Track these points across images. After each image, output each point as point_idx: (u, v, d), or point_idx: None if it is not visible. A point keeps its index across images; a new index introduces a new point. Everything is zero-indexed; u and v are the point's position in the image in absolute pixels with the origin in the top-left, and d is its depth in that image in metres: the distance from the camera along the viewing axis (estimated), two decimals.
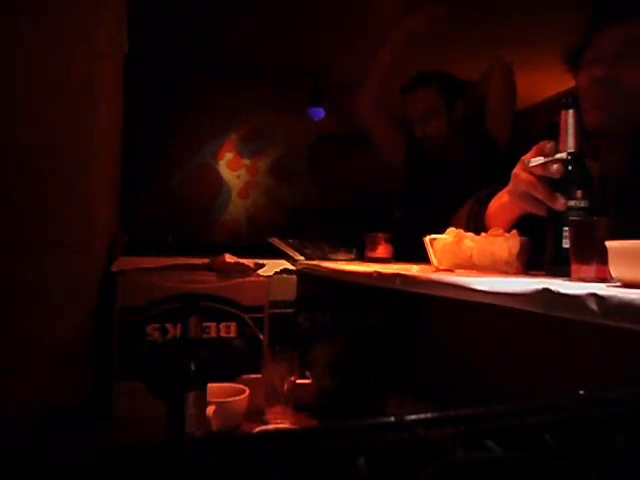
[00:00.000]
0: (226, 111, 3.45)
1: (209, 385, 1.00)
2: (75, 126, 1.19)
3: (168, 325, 1.26)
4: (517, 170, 0.86)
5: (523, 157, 0.84)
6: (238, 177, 3.57)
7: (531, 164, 0.81)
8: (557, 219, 0.79)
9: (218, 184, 3.48)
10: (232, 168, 3.55)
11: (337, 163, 3.87)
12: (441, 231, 0.95)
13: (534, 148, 0.84)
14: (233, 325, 1.34)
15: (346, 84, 2.80)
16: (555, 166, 0.79)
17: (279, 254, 1.56)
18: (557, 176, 0.79)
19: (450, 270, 0.91)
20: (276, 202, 3.63)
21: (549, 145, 0.82)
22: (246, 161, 3.56)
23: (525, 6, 2.56)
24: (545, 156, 0.81)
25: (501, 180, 0.93)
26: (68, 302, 1.18)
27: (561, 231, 0.77)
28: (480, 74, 1.86)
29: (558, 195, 0.79)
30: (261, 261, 1.41)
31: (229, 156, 3.55)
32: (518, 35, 2.89)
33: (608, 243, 0.59)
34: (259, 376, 1.25)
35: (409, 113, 1.83)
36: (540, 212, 0.83)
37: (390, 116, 2.00)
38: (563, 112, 0.81)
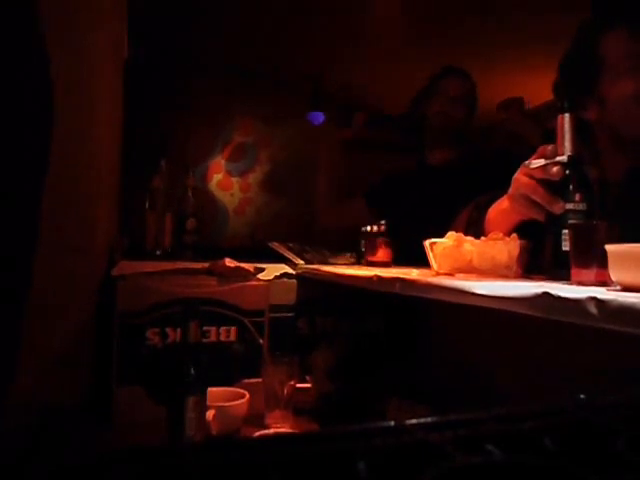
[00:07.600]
0: (225, 114, 3.44)
1: (209, 389, 1.00)
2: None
3: (168, 329, 1.26)
4: (518, 174, 0.86)
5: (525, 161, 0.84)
6: (232, 195, 3.55)
7: (532, 166, 0.82)
8: (556, 223, 0.79)
9: (212, 205, 3.46)
10: (223, 188, 3.53)
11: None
12: (440, 235, 0.95)
13: (536, 151, 0.84)
14: (233, 329, 1.34)
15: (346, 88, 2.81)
16: (555, 168, 0.79)
17: (279, 258, 1.56)
18: (556, 178, 0.79)
19: (450, 274, 0.90)
20: (275, 214, 3.60)
21: (550, 148, 0.82)
22: (236, 178, 3.55)
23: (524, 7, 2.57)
24: (546, 159, 0.81)
25: (502, 185, 0.93)
26: (68, 306, 1.17)
27: (560, 235, 0.77)
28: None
29: (557, 199, 0.79)
30: (261, 265, 1.41)
31: (218, 177, 3.54)
32: (520, 35, 2.89)
33: (608, 247, 0.59)
34: (259, 380, 1.24)
35: (443, 93, 1.87)
36: (539, 217, 0.83)
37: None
38: (560, 116, 0.81)
